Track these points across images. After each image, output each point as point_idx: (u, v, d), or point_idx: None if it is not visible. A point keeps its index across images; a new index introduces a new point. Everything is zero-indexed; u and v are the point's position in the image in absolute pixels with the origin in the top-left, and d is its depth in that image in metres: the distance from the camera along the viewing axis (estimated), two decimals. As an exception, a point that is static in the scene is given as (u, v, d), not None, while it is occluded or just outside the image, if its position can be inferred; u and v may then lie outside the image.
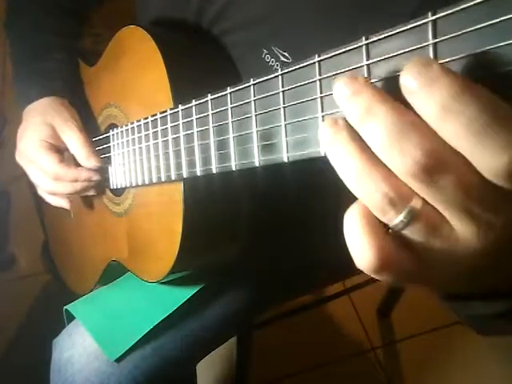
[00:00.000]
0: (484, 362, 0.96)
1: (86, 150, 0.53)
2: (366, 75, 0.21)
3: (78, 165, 0.55)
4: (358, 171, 0.19)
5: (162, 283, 0.51)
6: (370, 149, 0.19)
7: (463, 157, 0.17)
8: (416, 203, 0.19)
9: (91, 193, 0.57)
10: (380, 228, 0.20)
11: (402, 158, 0.18)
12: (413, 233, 0.20)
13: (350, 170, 0.20)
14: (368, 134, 0.19)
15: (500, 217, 0.18)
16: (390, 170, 0.19)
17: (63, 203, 0.59)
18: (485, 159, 0.16)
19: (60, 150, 0.55)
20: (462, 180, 0.17)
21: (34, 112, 0.56)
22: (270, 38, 0.44)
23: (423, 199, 0.19)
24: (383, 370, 1.07)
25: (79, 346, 0.52)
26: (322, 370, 1.05)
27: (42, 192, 0.60)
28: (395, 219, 0.19)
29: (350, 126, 0.20)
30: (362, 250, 0.20)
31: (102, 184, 0.58)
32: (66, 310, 0.55)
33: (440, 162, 0.17)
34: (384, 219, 0.20)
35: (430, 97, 0.17)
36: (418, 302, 1.03)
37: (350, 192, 0.20)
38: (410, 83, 0.17)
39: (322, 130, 0.21)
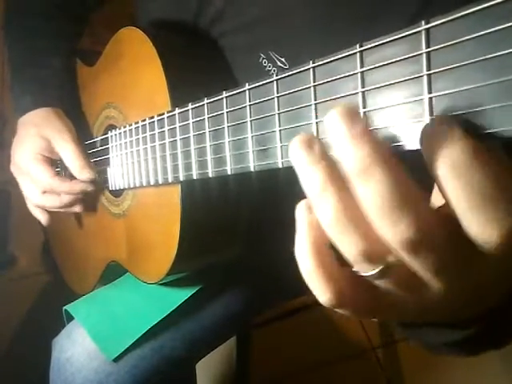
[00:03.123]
0: (484, 361, 0.96)
1: (80, 161, 0.53)
2: (359, 85, 0.21)
3: (73, 177, 0.55)
4: (336, 219, 0.18)
5: (161, 284, 0.51)
6: (349, 193, 0.18)
7: (450, 230, 0.17)
8: (391, 262, 0.18)
9: (78, 209, 0.57)
10: (334, 268, 0.20)
11: (392, 231, 0.17)
12: (381, 283, 0.19)
13: (325, 211, 0.18)
14: (360, 193, 0.17)
15: (473, 270, 0.18)
16: (370, 223, 0.18)
17: (41, 217, 0.59)
18: (478, 227, 0.16)
19: (55, 162, 0.56)
20: (445, 251, 0.17)
21: (29, 124, 0.56)
22: (268, 42, 0.44)
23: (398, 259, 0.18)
24: (383, 370, 1.07)
25: (78, 346, 0.52)
26: (322, 370, 1.05)
27: (28, 203, 0.59)
28: (367, 272, 0.19)
29: (327, 156, 0.18)
30: (319, 291, 0.20)
31: (94, 197, 0.58)
32: (65, 310, 0.56)
33: (429, 239, 0.17)
34: (355, 267, 0.19)
35: (445, 156, 0.16)
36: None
37: None
38: (426, 143, 0.17)
39: (293, 150, 0.18)
